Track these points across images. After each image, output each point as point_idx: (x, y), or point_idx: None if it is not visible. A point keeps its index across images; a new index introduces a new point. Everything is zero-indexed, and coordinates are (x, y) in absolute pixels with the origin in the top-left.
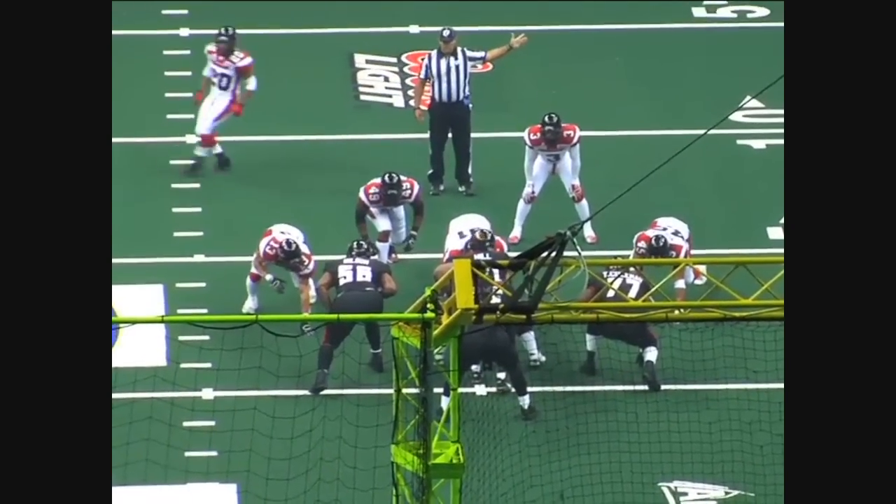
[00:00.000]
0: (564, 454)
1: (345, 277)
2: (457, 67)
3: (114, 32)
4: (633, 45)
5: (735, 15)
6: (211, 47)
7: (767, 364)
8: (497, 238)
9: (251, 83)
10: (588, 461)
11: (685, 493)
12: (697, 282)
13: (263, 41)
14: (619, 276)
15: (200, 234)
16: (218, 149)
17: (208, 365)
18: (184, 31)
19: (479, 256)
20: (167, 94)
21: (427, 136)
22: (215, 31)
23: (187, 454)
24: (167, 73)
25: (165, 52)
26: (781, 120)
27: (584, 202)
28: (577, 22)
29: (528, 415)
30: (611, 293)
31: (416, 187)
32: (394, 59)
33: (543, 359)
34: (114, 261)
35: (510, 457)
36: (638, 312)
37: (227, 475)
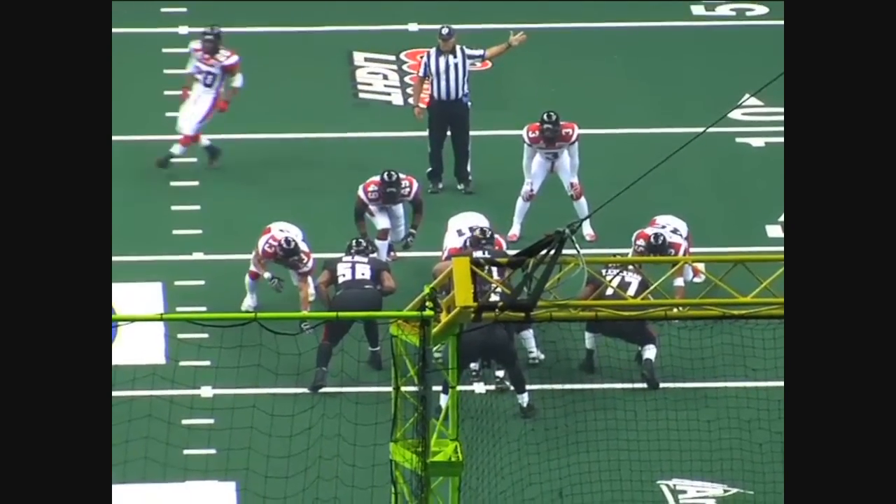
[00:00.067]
0: (563, 452)
1: (343, 275)
2: (455, 65)
3: (112, 30)
4: (632, 43)
5: (734, 13)
6: (196, 45)
7: (766, 362)
8: (496, 236)
9: (237, 80)
10: (587, 459)
11: (684, 491)
12: (696, 280)
13: (262, 39)
14: (617, 274)
15: (199, 231)
16: (205, 141)
17: (207, 363)
18: (182, 29)
19: (478, 254)
20: (166, 92)
21: (426, 134)
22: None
23: (186, 452)
24: (166, 71)
25: (164, 50)
26: (780, 118)
27: (583, 200)
28: (576, 20)
29: (527, 413)
30: (610, 291)
31: (415, 185)
32: (393, 57)
33: (542, 357)
34: (113, 259)
35: (509, 454)
36: (637, 310)
37: (225, 473)
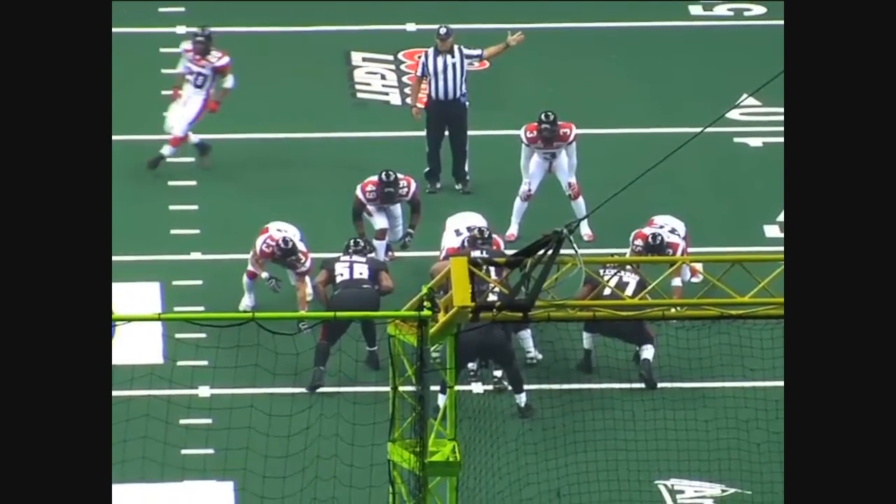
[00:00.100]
0: (561, 452)
1: (341, 275)
2: (453, 65)
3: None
4: (630, 42)
5: (732, 13)
6: (187, 46)
7: (764, 362)
8: (494, 236)
9: (228, 81)
10: (585, 459)
11: (682, 491)
12: (694, 280)
13: (260, 39)
14: (615, 273)
15: (197, 231)
16: (194, 139)
17: (205, 362)
18: (180, 29)
19: (476, 254)
20: (164, 92)
21: (424, 133)
22: (195, 30)
23: (184, 452)
24: (164, 71)
25: (162, 50)
26: (778, 118)
27: (581, 200)
28: (573, 20)
29: (525, 412)
30: (607, 291)
31: (413, 185)
32: (390, 57)
33: (540, 356)
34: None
35: (507, 454)
36: (635, 310)
37: (223, 473)
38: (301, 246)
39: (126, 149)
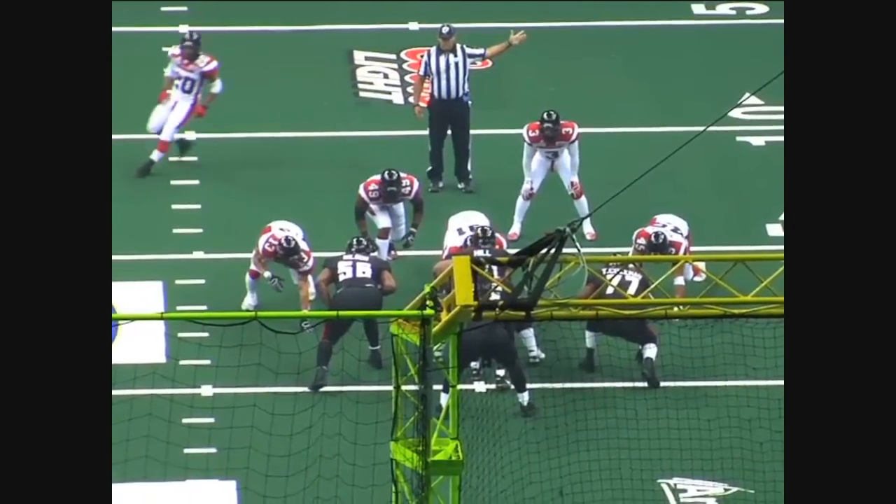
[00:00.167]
0: (564, 451)
1: (344, 274)
2: (456, 64)
3: (112, 29)
4: (633, 41)
5: (734, 12)
6: (175, 50)
7: (766, 361)
8: (496, 235)
9: (216, 86)
10: (587, 458)
11: (684, 490)
12: (697, 279)
13: (262, 38)
14: (618, 272)
15: (200, 230)
16: (175, 135)
17: (207, 362)
18: (183, 28)
19: (479, 253)
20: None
21: (426, 132)
22: (208, 29)
23: (186, 451)
24: (165, 70)
25: (164, 49)
26: (780, 117)
27: (584, 199)
28: (576, 19)
29: (528, 411)
30: (610, 290)
31: (416, 184)
32: (393, 56)
33: (543, 355)
34: (113, 257)
35: (509, 453)
36: (637, 309)
37: (226, 472)
38: (304, 245)
39: (127, 148)
